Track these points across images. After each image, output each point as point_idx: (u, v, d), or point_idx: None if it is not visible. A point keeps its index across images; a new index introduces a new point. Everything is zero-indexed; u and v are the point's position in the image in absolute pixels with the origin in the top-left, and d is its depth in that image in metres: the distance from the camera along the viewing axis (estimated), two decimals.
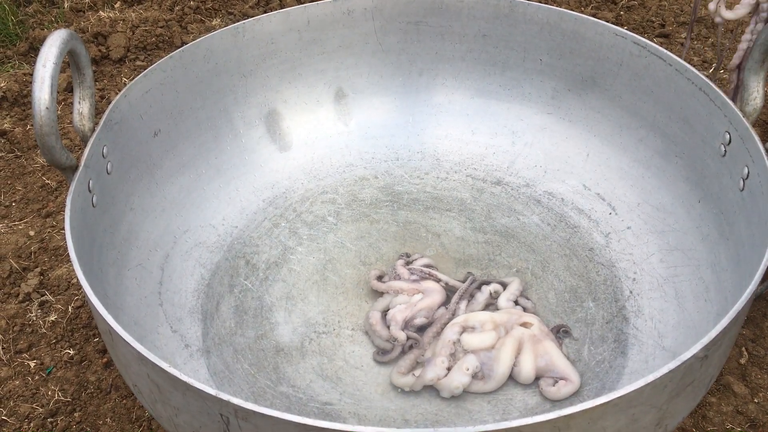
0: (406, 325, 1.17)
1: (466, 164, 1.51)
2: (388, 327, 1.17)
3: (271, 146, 1.49)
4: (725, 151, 1.15)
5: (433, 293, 1.20)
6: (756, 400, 1.23)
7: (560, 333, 1.17)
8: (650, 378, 0.74)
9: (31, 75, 1.37)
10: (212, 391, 0.74)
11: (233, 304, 1.25)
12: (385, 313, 1.20)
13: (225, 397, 0.73)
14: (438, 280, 1.23)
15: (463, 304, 1.20)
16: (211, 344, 1.18)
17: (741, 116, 1.10)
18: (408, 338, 1.15)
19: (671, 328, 1.16)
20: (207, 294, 1.26)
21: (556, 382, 1.10)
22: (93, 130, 1.12)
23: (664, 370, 0.75)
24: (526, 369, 1.10)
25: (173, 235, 1.30)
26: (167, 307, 1.21)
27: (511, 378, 1.11)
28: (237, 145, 1.44)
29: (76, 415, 1.25)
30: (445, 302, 1.21)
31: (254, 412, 0.72)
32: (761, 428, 1.19)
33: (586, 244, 1.33)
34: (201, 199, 1.37)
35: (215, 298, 1.26)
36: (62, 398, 1.27)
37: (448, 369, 1.10)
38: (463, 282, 1.24)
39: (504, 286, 1.23)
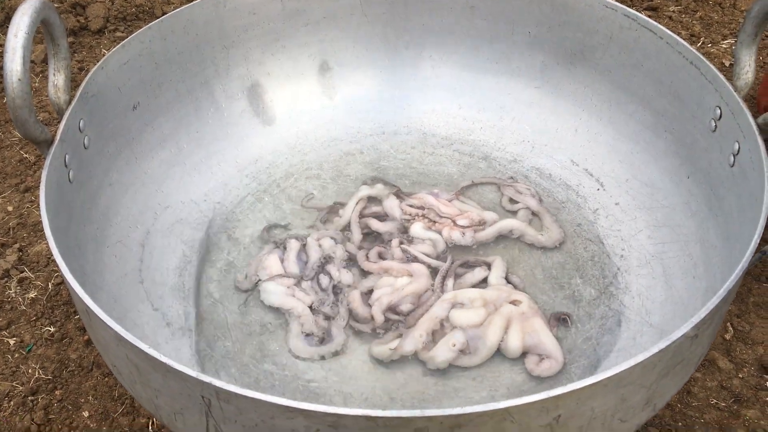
0: (390, 309, 1.15)
1: (453, 139, 1.48)
2: (370, 307, 1.15)
3: (254, 120, 1.46)
4: (716, 126, 1.13)
5: (421, 277, 1.18)
6: (740, 375, 1.23)
7: (560, 321, 1.15)
8: (640, 358, 0.73)
9: None
10: (193, 373, 0.72)
11: (216, 280, 1.23)
12: (367, 293, 1.18)
13: (206, 378, 0.72)
14: (428, 265, 1.21)
15: (449, 282, 1.18)
16: (194, 322, 1.16)
17: (732, 90, 1.08)
18: (388, 320, 1.13)
19: (659, 305, 1.15)
20: (189, 271, 1.24)
21: (542, 360, 1.09)
22: (69, 103, 1.08)
23: (654, 349, 0.74)
24: (513, 344, 1.09)
25: (154, 211, 1.27)
26: (148, 284, 1.18)
27: (499, 352, 1.11)
28: (219, 118, 1.41)
29: (57, 393, 1.23)
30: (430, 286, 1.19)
31: (236, 394, 0.71)
32: (745, 403, 1.20)
33: (573, 219, 1.32)
34: (182, 173, 1.34)
35: (197, 275, 1.23)
36: (43, 376, 1.25)
37: (427, 343, 1.09)
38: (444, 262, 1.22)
39: (488, 266, 1.22)
